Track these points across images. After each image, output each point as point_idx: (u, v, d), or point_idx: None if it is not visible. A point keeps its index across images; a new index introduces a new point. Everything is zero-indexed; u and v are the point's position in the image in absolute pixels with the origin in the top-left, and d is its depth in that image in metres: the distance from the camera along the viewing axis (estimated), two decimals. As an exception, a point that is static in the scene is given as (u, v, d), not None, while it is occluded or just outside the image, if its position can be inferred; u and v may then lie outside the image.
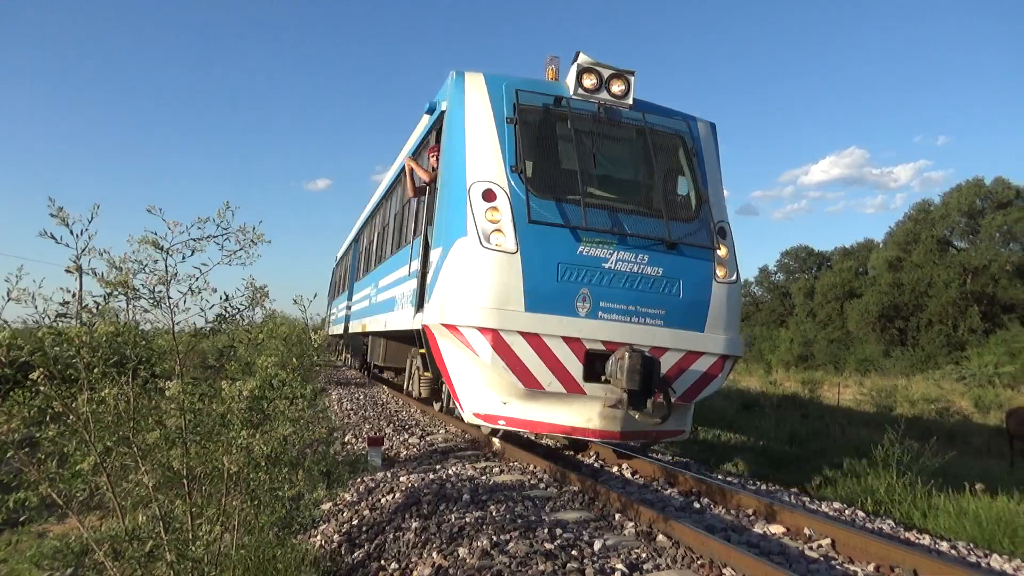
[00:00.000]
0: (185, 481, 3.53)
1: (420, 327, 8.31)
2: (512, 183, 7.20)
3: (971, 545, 6.03)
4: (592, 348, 7.08)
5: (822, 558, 4.94)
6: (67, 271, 3.50)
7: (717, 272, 7.66)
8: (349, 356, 26.24)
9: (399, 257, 11.38)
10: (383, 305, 12.52)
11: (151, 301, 3.41)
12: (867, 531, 5.46)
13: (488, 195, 7.17)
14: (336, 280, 29.97)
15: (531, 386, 6.99)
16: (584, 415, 7.22)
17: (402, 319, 10.02)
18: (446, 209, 7.74)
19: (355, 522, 5.92)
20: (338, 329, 24.76)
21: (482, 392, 7.40)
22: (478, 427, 8.45)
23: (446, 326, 7.19)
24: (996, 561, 5.51)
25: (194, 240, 3.37)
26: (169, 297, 3.45)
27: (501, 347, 6.89)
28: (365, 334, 16.20)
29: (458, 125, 7.74)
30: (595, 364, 7.08)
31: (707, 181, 8.07)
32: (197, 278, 3.46)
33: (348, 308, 21.32)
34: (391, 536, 5.16)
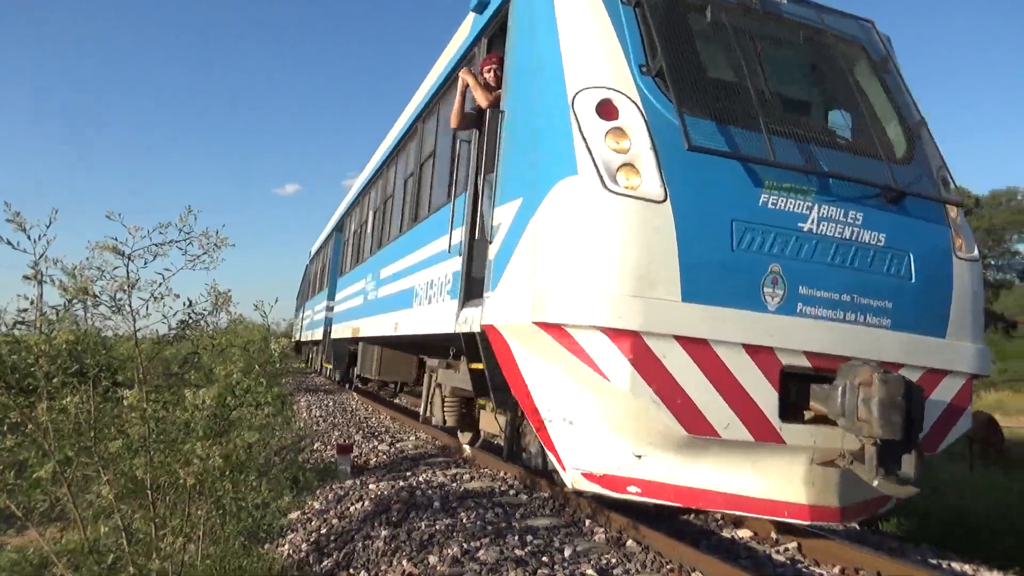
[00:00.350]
0: (148, 491, 3.46)
1: (471, 330, 5.53)
2: (644, 90, 4.55)
3: (934, 548, 6.15)
4: (790, 364, 4.41)
5: (788, 561, 5.00)
6: (25, 278, 3.41)
7: (956, 243, 5.08)
8: (325, 364, 21.34)
9: (422, 231, 7.94)
10: (389, 301, 9.27)
11: (111, 308, 3.34)
12: (832, 535, 5.53)
13: (606, 109, 4.48)
14: (310, 280, 26.21)
15: (698, 430, 4.21)
16: (780, 479, 4.45)
17: (431, 318, 6.88)
18: (528, 140, 5.08)
19: (323, 531, 5.85)
20: (314, 334, 21.06)
21: (603, 439, 4.52)
22: (583, 490, 4.85)
23: (543, 326, 4.47)
24: (957, 564, 5.62)
25: (156, 245, 3.30)
26: (131, 304, 3.39)
27: (647, 363, 4.17)
28: (354, 340, 12.81)
29: (543, 11, 5.11)
30: (792, 391, 4.48)
31: (911, 109, 5.57)
32: (160, 284, 3.40)
33: (328, 310, 17.61)
34: (360, 544, 5.11)
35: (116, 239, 3.25)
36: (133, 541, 3.49)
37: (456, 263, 6.09)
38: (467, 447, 8.49)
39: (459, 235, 6.15)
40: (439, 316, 6.56)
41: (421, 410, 9.15)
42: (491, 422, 7.23)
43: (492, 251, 5.25)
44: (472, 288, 5.70)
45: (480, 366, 5.62)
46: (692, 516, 6.07)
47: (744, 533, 5.58)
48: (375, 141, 14.03)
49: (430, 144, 8.41)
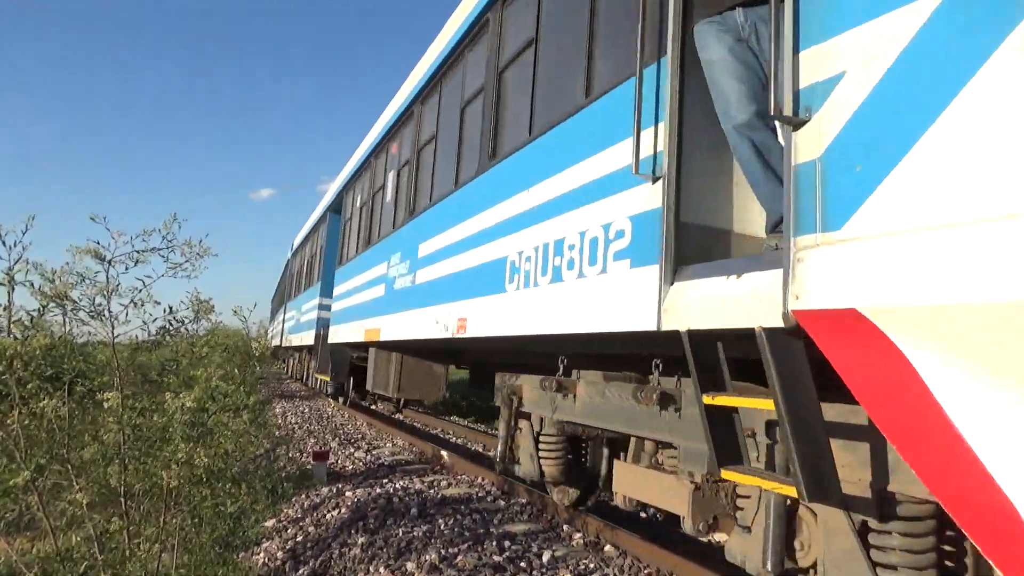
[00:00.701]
0: (122, 499, 3.41)
1: (732, 325, 2.63)
2: None
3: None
4: None
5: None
6: None
7: None
8: (319, 376, 15.06)
9: (550, 148, 4.49)
10: (444, 287, 6.10)
11: (90, 313, 3.30)
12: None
13: None
14: (294, 276, 22.11)
15: None
16: None
17: (581, 305, 3.78)
18: None
19: (299, 538, 5.80)
20: (303, 338, 17.42)
21: None
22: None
23: None
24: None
25: (138, 252, 3.28)
26: (110, 310, 3.34)
27: None
28: (361, 345, 9.92)
29: None
30: None
31: None
32: (140, 290, 3.36)
33: (323, 308, 14.33)
34: (337, 552, 5.08)
35: (98, 242, 3.22)
36: (106, 550, 3.44)
37: (646, 195, 3.30)
38: (444, 453, 8.42)
39: (653, 138, 3.32)
40: (602, 300, 3.58)
41: (498, 453, 5.94)
42: (634, 481, 4.44)
43: (820, 139, 2.34)
44: (687, 243, 3.13)
45: (742, 401, 2.68)
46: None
47: (720, 536, 5.63)
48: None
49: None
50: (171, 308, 3.53)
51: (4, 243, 3.25)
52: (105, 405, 3.28)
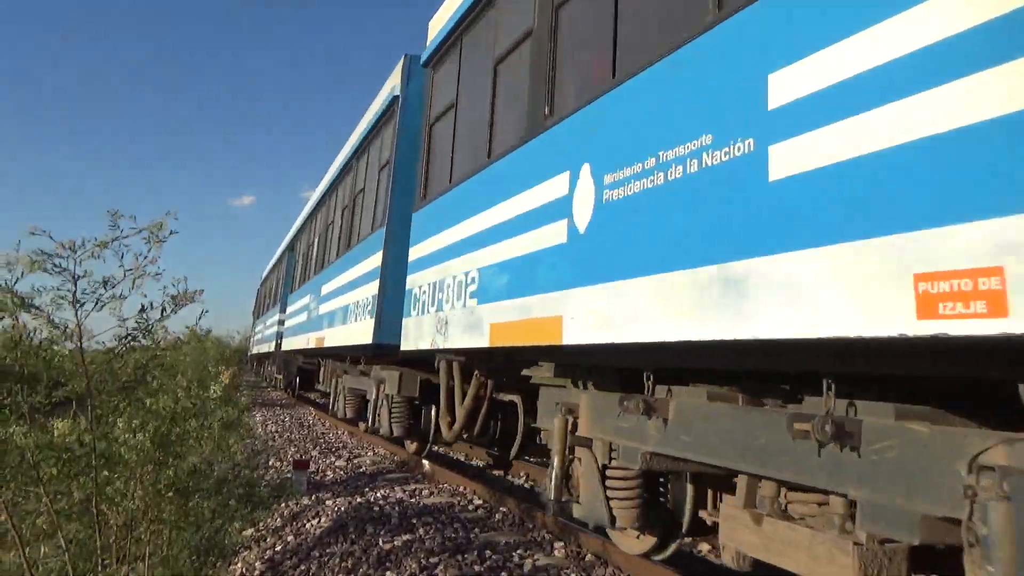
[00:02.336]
0: (94, 511, 3.33)
1: None
2: None
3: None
4: None
5: (746, 572, 5.03)
6: None
7: None
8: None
9: None
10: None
11: (51, 327, 3.19)
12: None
13: None
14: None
15: None
16: None
17: None
18: None
19: (279, 548, 5.72)
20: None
21: None
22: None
23: None
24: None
25: (97, 246, 3.11)
26: (78, 318, 3.24)
27: None
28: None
29: None
30: None
31: None
32: (105, 291, 3.23)
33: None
34: (316, 562, 5.01)
35: (47, 254, 3.05)
36: (76, 562, 3.35)
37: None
38: (426, 462, 8.35)
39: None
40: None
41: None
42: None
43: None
44: None
45: None
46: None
47: (703, 547, 5.61)
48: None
49: None
50: (143, 308, 3.40)
51: None
52: (55, 433, 3.14)
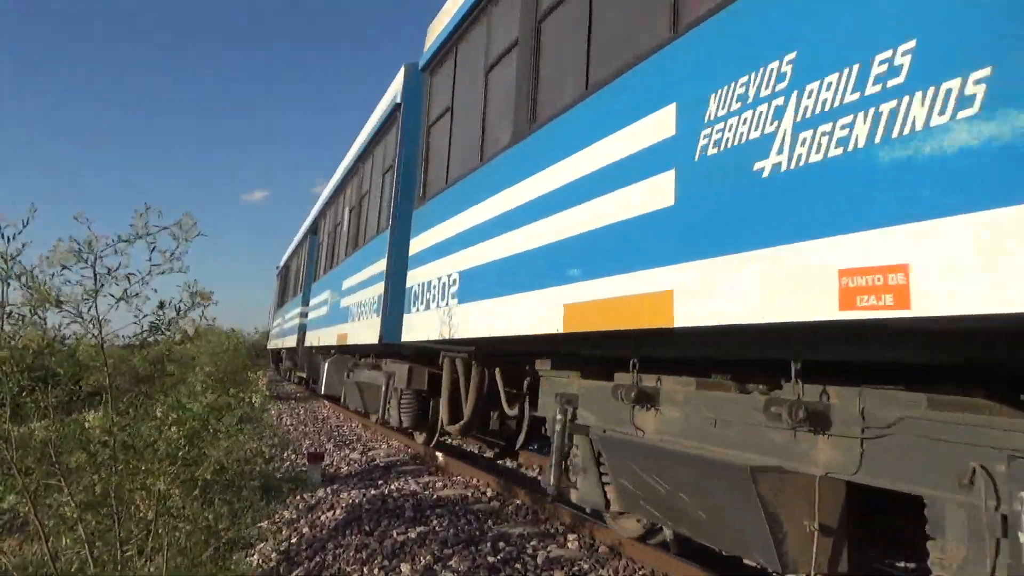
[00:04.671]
0: (113, 503, 3.37)
1: None
2: None
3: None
4: None
5: (759, 564, 5.03)
6: None
7: None
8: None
9: None
10: None
11: (75, 315, 3.24)
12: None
13: None
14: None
15: None
16: None
17: None
18: None
19: (294, 540, 5.77)
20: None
21: None
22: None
23: None
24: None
25: (124, 241, 3.17)
26: (97, 310, 3.29)
27: None
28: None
29: None
30: None
31: None
32: (130, 284, 3.28)
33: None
34: (331, 554, 5.06)
35: (78, 242, 3.13)
36: (97, 553, 3.40)
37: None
38: (439, 455, 8.40)
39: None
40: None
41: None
42: None
43: None
44: None
45: None
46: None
47: None
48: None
49: None
50: (162, 303, 3.45)
51: (3, 235, 3.15)
52: (86, 425, 3.20)
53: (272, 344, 27.27)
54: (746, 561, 5.10)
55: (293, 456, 9.42)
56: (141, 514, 3.32)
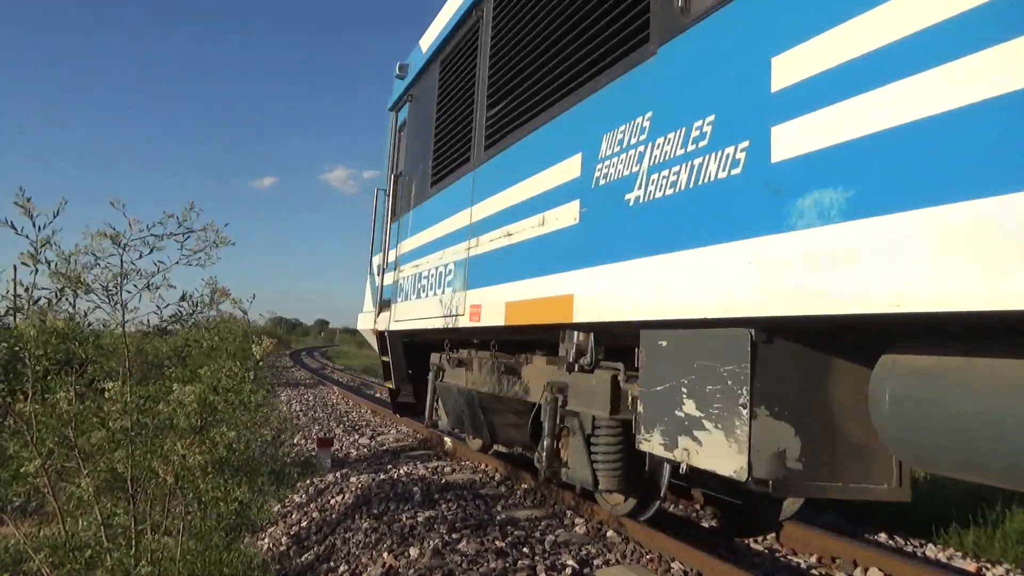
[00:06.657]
0: (129, 484, 3.43)
1: None
2: None
3: (909, 536, 6.26)
4: None
5: (767, 550, 5.07)
6: (22, 263, 3.38)
7: None
8: None
9: None
10: None
11: (102, 297, 3.32)
12: (810, 524, 5.61)
13: None
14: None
15: None
16: None
17: None
18: None
19: (304, 524, 5.85)
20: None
21: None
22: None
23: None
24: (931, 550, 5.73)
25: (155, 236, 3.29)
26: (121, 294, 3.36)
27: None
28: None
29: None
30: None
31: None
32: (155, 274, 3.38)
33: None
34: (341, 537, 5.12)
35: (113, 227, 3.23)
36: (112, 535, 3.46)
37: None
38: (448, 440, 8.45)
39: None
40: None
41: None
42: None
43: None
44: None
45: None
46: (672, 507, 6.13)
47: (771, 540, 5.65)
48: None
49: None
50: (185, 295, 3.54)
51: (35, 224, 3.26)
52: (106, 395, 3.29)
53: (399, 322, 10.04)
54: (752, 546, 5.14)
55: (303, 442, 9.51)
56: (159, 480, 3.38)
